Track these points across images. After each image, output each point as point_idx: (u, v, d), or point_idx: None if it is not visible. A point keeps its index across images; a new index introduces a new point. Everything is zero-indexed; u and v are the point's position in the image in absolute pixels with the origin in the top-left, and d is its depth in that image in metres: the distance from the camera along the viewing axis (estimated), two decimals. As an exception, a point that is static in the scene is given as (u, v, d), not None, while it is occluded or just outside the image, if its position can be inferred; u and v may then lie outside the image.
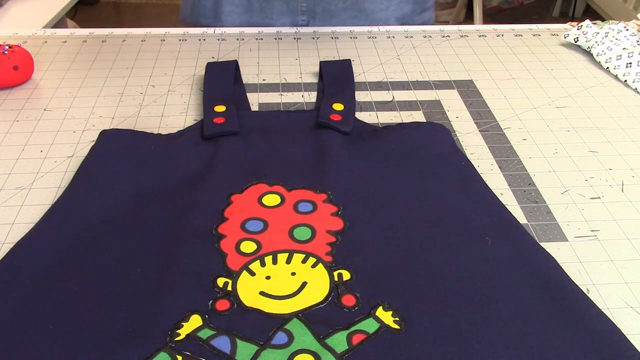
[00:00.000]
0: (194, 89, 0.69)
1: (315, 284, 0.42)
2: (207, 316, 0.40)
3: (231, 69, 0.68)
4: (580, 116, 0.65)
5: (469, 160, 0.55)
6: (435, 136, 0.58)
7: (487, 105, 0.67)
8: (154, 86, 0.69)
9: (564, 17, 2.68)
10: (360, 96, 0.68)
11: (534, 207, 0.52)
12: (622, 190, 0.54)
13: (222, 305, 0.41)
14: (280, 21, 0.86)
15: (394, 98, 0.68)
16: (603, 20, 0.85)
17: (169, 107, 0.65)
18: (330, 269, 0.44)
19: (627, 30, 0.77)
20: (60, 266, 0.43)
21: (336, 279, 0.43)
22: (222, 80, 0.66)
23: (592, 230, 0.50)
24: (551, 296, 0.41)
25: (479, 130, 0.62)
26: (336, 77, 0.69)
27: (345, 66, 0.71)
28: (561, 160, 0.58)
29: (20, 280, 0.42)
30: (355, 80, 0.70)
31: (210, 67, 0.69)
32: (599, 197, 0.53)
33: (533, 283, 0.42)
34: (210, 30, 0.83)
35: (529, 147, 0.60)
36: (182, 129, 0.61)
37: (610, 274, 0.45)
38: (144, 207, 0.49)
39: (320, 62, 0.71)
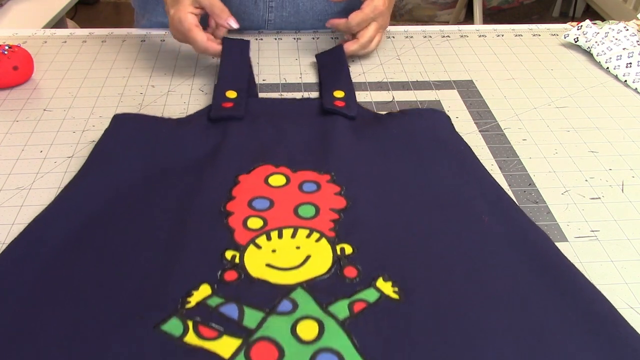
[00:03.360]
0: (194, 89, 0.69)
1: (319, 257, 0.44)
2: (216, 286, 0.41)
3: (246, 51, 0.68)
4: (580, 116, 0.65)
5: (467, 144, 0.57)
6: (435, 121, 0.60)
7: (487, 105, 0.67)
8: (154, 86, 0.69)
9: (564, 17, 2.68)
10: (361, 96, 0.68)
11: (534, 207, 0.52)
12: (622, 190, 0.54)
13: (230, 275, 0.42)
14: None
15: (394, 98, 0.68)
16: (603, 20, 0.85)
17: (169, 107, 0.65)
18: (333, 243, 0.45)
19: (627, 30, 0.77)
20: (76, 241, 0.45)
21: (338, 252, 0.44)
22: (238, 64, 0.66)
23: (592, 231, 0.50)
24: (545, 270, 0.43)
25: (479, 131, 0.62)
26: (330, 65, 0.70)
27: (337, 52, 0.71)
28: (561, 160, 0.58)
29: (38, 254, 0.43)
30: (355, 81, 0.70)
31: (227, 44, 0.67)
32: (599, 198, 0.53)
33: (528, 257, 0.44)
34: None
35: (529, 147, 0.60)
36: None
37: (610, 274, 0.45)
38: (155, 186, 0.51)
39: (316, 55, 0.73)
